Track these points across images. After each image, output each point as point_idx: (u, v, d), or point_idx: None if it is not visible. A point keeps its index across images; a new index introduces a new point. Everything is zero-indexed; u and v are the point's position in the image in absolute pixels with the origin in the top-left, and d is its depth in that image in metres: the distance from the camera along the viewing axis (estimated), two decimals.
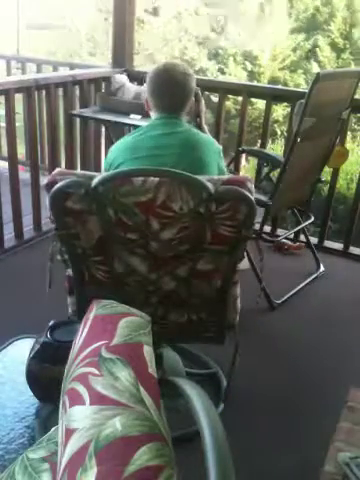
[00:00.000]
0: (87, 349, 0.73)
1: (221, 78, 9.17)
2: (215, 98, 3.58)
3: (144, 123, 2.89)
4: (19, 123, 3.07)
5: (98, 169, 3.54)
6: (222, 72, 9.84)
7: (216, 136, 3.27)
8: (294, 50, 9.93)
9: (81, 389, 0.66)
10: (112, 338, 0.73)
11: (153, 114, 1.91)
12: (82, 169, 3.53)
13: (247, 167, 5.15)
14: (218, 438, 0.59)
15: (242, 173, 3.70)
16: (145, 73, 1.99)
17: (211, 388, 1.95)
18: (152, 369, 0.71)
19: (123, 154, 1.81)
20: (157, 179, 1.41)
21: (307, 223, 2.90)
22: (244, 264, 1.73)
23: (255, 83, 8.75)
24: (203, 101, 2.34)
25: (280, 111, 8.51)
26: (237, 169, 3.17)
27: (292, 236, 3.19)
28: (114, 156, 1.84)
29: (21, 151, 3.68)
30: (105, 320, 0.79)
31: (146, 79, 1.91)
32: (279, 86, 7.85)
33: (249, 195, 1.40)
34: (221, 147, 1.95)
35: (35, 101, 3.01)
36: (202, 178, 1.41)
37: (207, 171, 1.78)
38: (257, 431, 1.81)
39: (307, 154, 2.53)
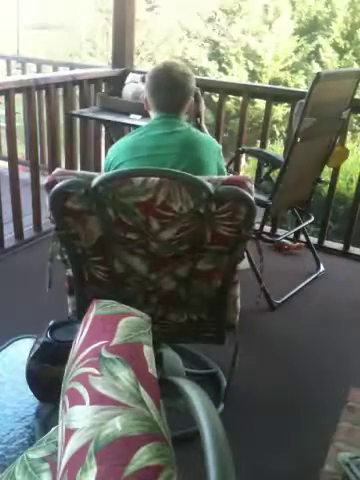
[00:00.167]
0: (87, 349, 0.73)
1: (221, 78, 9.17)
2: (215, 98, 3.58)
3: (144, 123, 2.89)
4: (19, 123, 3.07)
5: (98, 169, 3.54)
6: (224, 72, 9.84)
7: (216, 136, 3.27)
8: (296, 51, 9.94)
9: (81, 389, 0.66)
10: (112, 338, 0.73)
11: (152, 114, 1.91)
12: (82, 169, 3.53)
13: (247, 167, 5.15)
14: (218, 438, 0.59)
15: (242, 173, 3.70)
16: (145, 73, 1.99)
17: (211, 388, 1.95)
18: (152, 369, 0.71)
19: (123, 154, 1.81)
20: (157, 179, 1.41)
21: (307, 223, 2.90)
22: (244, 264, 1.73)
23: (256, 83, 8.76)
24: (203, 101, 2.34)
25: (280, 111, 8.50)
26: (237, 169, 3.17)
27: (292, 236, 3.19)
28: (114, 156, 1.84)
29: (21, 151, 3.68)
30: (105, 320, 0.79)
31: (146, 79, 1.91)
32: (280, 86, 7.85)
33: (249, 195, 1.40)
34: (221, 146, 1.96)
35: (35, 101, 3.01)
36: (202, 178, 1.41)
37: (207, 171, 1.78)
38: (257, 431, 1.81)
39: (307, 154, 2.53)
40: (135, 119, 2.97)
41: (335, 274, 2.93)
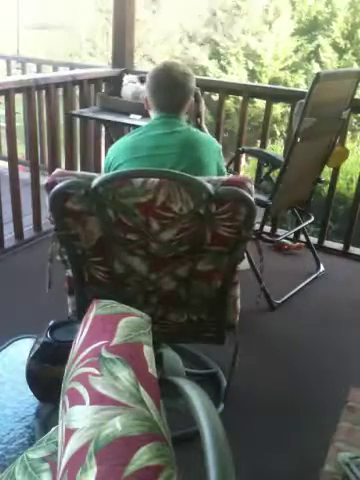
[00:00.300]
0: (87, 349, 0.73)
1: (222, 78, 9.17)
2: (215, 97, 3.58)
3: (144, 123, 2.89)
4: (19, 123, 3.07)
5: (98, 169, 3.54)
6: (224, 71, 9.84)
7: (216, 136, 3.27)
8: (296, 51, 9.93)
9: (81, 389, 0.66)
10: (112, 338, 0.73)
11: (152, 113, 1.91)
12: (82, 169, 3.53)
13: (247, 167, 5.15)
14: (218, 438, 0.59)
15: (242, 173, 3.70)
16: (144, 73, 2.00)
17: (211, 388, 1.95)
18: (152, 369, 0.71)
19: (123, 154, 1.81)
20: (157, 180, 1.41)
21: (307, 223, 2.90)
22: (244, 265, 1.73)
23: (256, 83, 8.75)
24: (203, 101, 2.34)
25: (278, 109, 8.48)
26: (237, 169, 3.17)
27: (292, 236, 3.19)
28: (114, 156, 1.84)
29: (21, 151, 3.68)
30: (105, 320, 0.79)
31: (146, 79, 1.91)
32: (280, 86, 7.85)
33: (249, 196, 1.40)
34: (221, 146, 1.96)
35: (35, 101, 3.01)
36: (202, 179, 1.41)
37: (207, 171, 1.78)
38: (257, 431, 1.81)
39: (307, 154, 2.53)
40: (135, 119, 2.97)
41: (335, 274, 2.93)
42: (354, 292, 2.78)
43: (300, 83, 9.57)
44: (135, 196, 1.41)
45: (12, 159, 2.90)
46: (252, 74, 9.86)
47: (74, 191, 1.40)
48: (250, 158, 5.05)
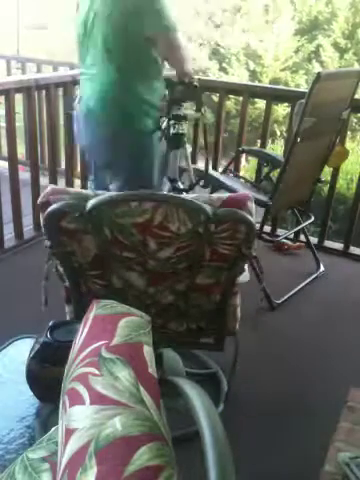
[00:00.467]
0: (87, 349, 0.73)
1: (222, 78, 9.16)
2: (215, 98, 3.58)
3: None
4: (19, 123, 3.07)
5: None
6: (225, 71, 9.83)
7: (216, 136, 3.27)
8: (296, 51, 9.93)
9: (81, 389, 0.66)
10: (112, 338, 0.73)
11: None
12: (82, 169, 3.53)
13: (247, 167, 5.15)
14: (218, 438, 0.59)
15: (242, 173, 3.70)
16: None
17: (211, 388, 1.95)
18: (152, 369, 0.71)
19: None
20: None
21: (307, 223, 2.90)
22: (244, 276, 1.70)
23: (256, 83, 8.75)
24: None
25: (280, 111, 8.50)
26: (237, 169, 3.17)
27: (292, 236, 3.19)
28: None
29: (21, 151, 3.68)
30: (105, 320, 0.79)
31: None
32: (280, 86, 7.85)
33: (249, 217, 1.37)
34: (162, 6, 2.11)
35: (35, 101, 3.01)
36: (199, 201, 1.37)
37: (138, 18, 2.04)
38: (257, 431, 1.81)
39: (307, 154, 2.53)
40: None
41: (335, 274, 2.93)
42: (354, 292, 2.77)
43: (301, 83, 9.57)
44: (132, 216, 1.38)
45: (12, 159, 2.90)
46: (253, 74, 9.86)
47: (69, 210, 1.37)
48: (250, 158, 5.05)
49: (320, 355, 2.25)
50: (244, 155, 3.61)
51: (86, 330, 0.78)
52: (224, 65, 9.94)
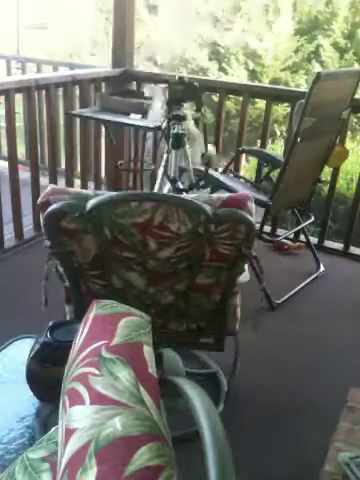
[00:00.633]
0: (87, 349, 0.73)
1: (222, 78, 9.17)
2: (215, 98, 3.58)
3: (144, 123, 2.89)
4: (19, 123, 3.07)
5: (98, 169, 3.55)
6: (224, 71, 9.83)
7: (216, 136, 3.28)
8: (296, 51, 9.93)
9: (81, 389, 0.66)
10: (112, 338, 0.73)
11: None
12: (82, 169, 3.54)
13: (247, 167, 5.15)
14: (218, 438, 0.59)
15: (242, 173, 3.70)
16: (145, 73, 2.00)
17: (211, 388, 1.95)
18: (152, 369, 0.71)
19: None
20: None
21: (307, 223, 2.90)
22: (244, 276, 1.70)
23: (256, 83, 8.75)
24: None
25: (280, 111, 8.50)
26: (237, 169, 3.17)
27: (292, 236, 3.19)
28: None
29: (21, 151, 3.68)
30: (105, 320, 0.79)
31: None
32: (280, 86, 7.84)
33: (249, 217, 1.37)
34: None
35: (35, 101, 3.01)
36: (200, 202, 1.37)
37: None
38: (257, 431, 1.81)
39: (307, 154, 2.53)
40: (135, 119, 2.97)
41: (335, 274, 2.93)
42: (354, 292, 2.78)
43: (301, 83, 9.56)
44: (132, 216, 1.38)
45: (12, 159, 2.90)
46: (252, 74, 9.86)
47: (69, 210, 1.37)
48: (250, 158, 5.05)
49: (320, 355, 2.25)
50: (244, 155, 3.61)
51: (86, 330, 0.78)
52: (223, 65, 9.94)
